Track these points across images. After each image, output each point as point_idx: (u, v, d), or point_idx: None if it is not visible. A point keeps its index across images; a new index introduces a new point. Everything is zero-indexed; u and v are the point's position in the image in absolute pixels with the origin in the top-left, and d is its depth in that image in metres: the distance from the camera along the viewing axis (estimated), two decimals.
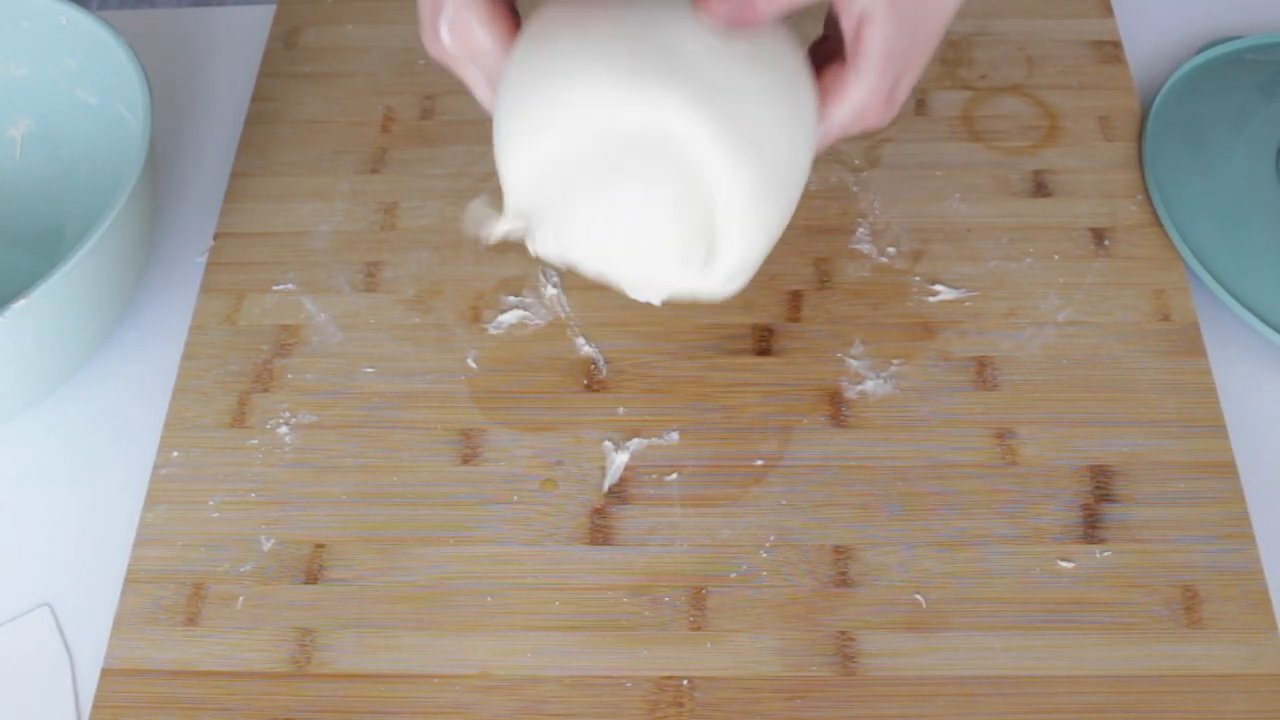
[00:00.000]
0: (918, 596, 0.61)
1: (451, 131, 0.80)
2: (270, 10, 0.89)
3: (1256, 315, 0.68)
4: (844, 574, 0.62)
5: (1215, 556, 0.61)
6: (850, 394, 0.67)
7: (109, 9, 0.86)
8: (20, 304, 0.60)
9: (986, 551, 0.62)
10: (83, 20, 0.72)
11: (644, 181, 0.48)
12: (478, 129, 0.80)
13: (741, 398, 0.67)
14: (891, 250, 0.73)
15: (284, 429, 0.67)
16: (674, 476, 0.65)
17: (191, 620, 0.62)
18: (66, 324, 0.65)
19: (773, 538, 0.63)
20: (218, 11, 0.91)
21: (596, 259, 0.51)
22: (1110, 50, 0.82)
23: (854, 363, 0.68)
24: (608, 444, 0.66)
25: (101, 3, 1.03)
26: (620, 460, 0.65)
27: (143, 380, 0.72)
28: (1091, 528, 0.62)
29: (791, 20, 0.52)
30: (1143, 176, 0.75)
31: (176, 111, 0.84)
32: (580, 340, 0.70)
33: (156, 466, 0.67)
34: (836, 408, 0.67)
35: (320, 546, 0.64)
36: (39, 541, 0.66)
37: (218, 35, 0.89)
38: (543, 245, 0.52)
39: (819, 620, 0.60)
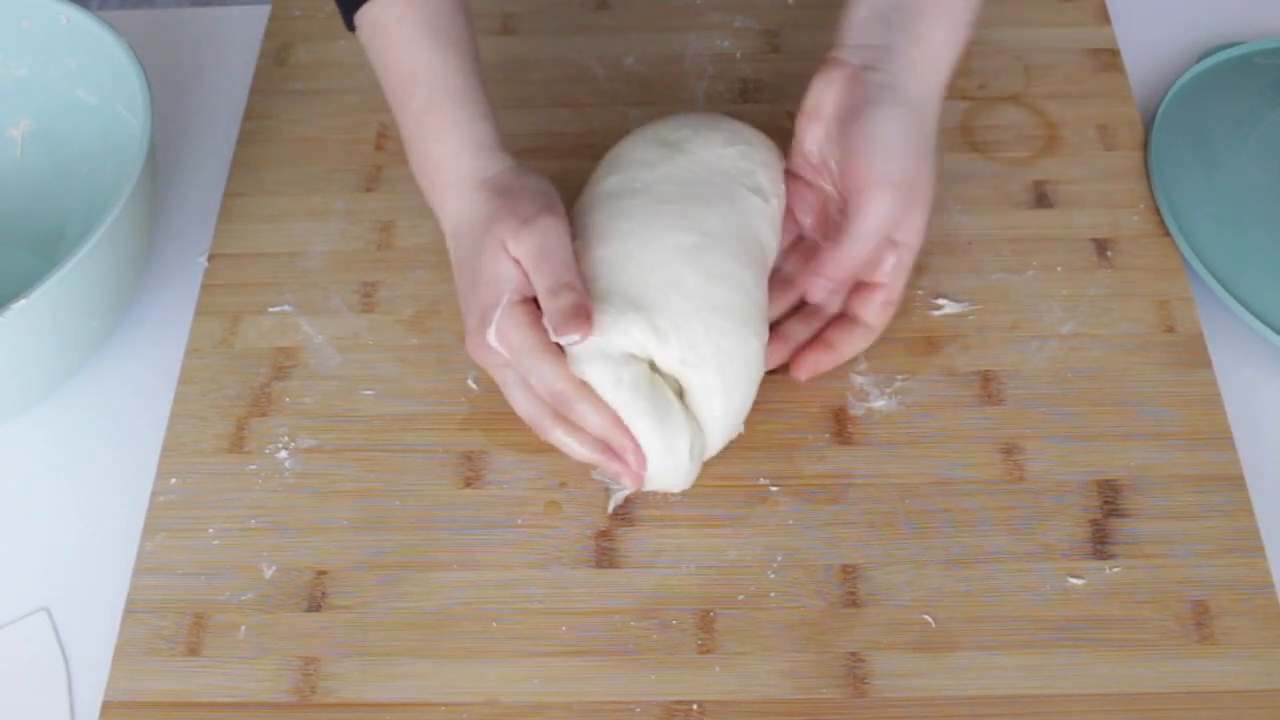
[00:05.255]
0: (927, 616, 0.60)
1: None
2: (270, 10, 0.88)
3: (1265, 322, 0.67)
4: (853, 594, 0.61)
5: (1225, 570, 0.61)
6: (855, 411, 0.67)
7: (109, 9, 0.85)
8: (20, 304, 0.60)
9: (995, 569, 0.61)
10: (83, 20, 0.72)
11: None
12: None
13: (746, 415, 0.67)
14: None
15: (283, 454, 0.67)
16: (679, 496, 0.64)
17: (193, 650, 0.61)
18: (66, 324, 0.65)
19: (780, 558, 0.62)
20: (218, 11, 0.90)
21: None
22: (1108, 58, 0.81)
23: (858, 379, 0.68)
24: None
25: (101, 3, 1.02)
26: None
27: (143, 380, 0.71)
28: (1100, 543, 0.62)
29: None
30: (1147, 184, 0.75)
31: (176, 112, 0.83)
32: None
33: (154, 493, 0.66)
34: (842, 425, 0.66)
35: (322, 573, 0.63)
36: (38, 543, 0.66)
37: (218, 35, 0.88)
38: None
39: (828, 641, 0.60)
